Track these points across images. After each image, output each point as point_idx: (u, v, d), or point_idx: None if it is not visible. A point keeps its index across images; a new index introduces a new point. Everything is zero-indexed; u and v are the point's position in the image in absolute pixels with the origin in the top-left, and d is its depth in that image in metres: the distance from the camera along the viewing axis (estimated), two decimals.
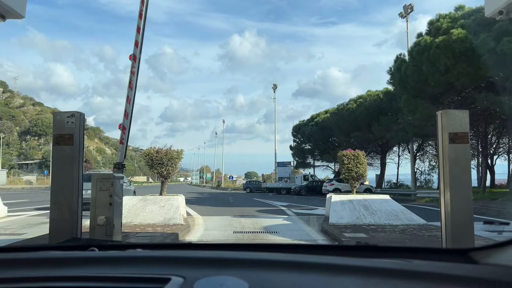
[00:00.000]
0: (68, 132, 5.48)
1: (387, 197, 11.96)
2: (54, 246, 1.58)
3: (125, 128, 6.98)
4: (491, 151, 29.01)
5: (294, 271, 0.95)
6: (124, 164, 6.96)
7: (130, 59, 7.04)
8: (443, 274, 0.94)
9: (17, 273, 0.97)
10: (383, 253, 1.30)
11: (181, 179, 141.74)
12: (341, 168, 13.51)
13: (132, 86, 7.01)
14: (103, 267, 1.01)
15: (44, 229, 7.98)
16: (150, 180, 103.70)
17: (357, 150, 13.49)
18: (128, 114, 6.99)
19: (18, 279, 0.94)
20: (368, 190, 26.87)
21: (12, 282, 0.93)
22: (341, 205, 11.08)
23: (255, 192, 42.75)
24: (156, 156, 12.12)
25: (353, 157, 12.66)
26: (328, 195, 12.37)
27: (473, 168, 29.03)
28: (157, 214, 10.68)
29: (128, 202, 11.05)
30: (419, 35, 23.59)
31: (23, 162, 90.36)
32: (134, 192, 17.46)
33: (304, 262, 1.02)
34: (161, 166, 12.08)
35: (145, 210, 10.83)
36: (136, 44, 7.14)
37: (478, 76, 19.55)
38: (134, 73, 7.01)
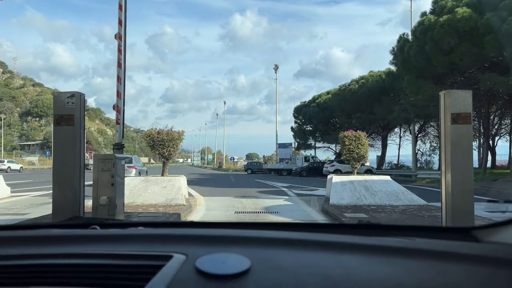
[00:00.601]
0: (69, 112, 5.47)
1: (387, 178, 12.01)
2: (55, 224, 1.58)
3: (119, 107, 6.98)
4: (493, 132, 28.92)
5: (296, 249, 0.94)
6: (123, 144, 6.98)
7: (115, 38, 7.00)
8: (446, 252, 0.94)
9: (19, 250, 0.97)
10: (385, 232, 1.30)
11: (180, 160, 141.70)
12: (342, 149, 13.52)
13: (121, 65, 6.98)
14: (105, 244, 1.01)
15: (47, 209, 8.05)
16: (152, 161, 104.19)
17: (358, 131, 13.48)
18: (120, 94, 6.99)
19: (20, 256, 0.94)
20: (369, 171, 26.95)
21: (14, 259, 0.93)
22: (342, 186, 11.14)
23: (256, 173, 42.92)
24: (157, 137, 12.13)
25: (354, 138, 12.66)
26: (329, 176, 12.41)
27: (474, 149, 29.02)
28: (159, 194, 10.75)
29: (130, 182, 11.11)
30: (423, 14, 23.15)
31: (25, 143, 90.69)
32: (146, 172, 19.63)
33: (306, 240, 1.01)
34: (162, 147, 12.10)
35: (147, 191, 10.91)
36: (120, 23, 7.09)
37: (482, 56, 19.30)
38: (121, 51, 6.97)
